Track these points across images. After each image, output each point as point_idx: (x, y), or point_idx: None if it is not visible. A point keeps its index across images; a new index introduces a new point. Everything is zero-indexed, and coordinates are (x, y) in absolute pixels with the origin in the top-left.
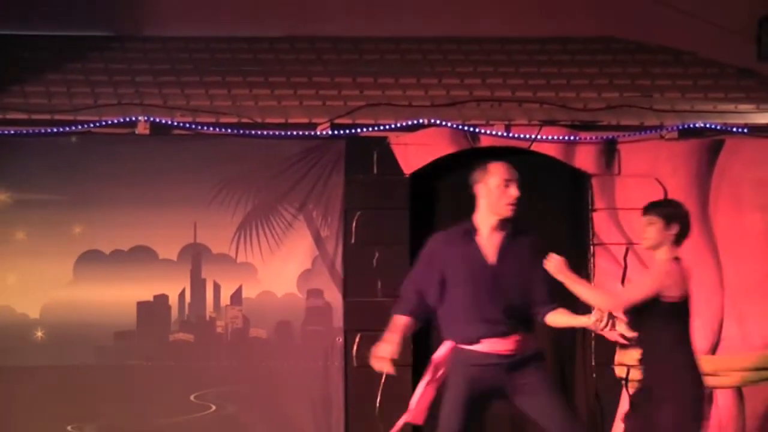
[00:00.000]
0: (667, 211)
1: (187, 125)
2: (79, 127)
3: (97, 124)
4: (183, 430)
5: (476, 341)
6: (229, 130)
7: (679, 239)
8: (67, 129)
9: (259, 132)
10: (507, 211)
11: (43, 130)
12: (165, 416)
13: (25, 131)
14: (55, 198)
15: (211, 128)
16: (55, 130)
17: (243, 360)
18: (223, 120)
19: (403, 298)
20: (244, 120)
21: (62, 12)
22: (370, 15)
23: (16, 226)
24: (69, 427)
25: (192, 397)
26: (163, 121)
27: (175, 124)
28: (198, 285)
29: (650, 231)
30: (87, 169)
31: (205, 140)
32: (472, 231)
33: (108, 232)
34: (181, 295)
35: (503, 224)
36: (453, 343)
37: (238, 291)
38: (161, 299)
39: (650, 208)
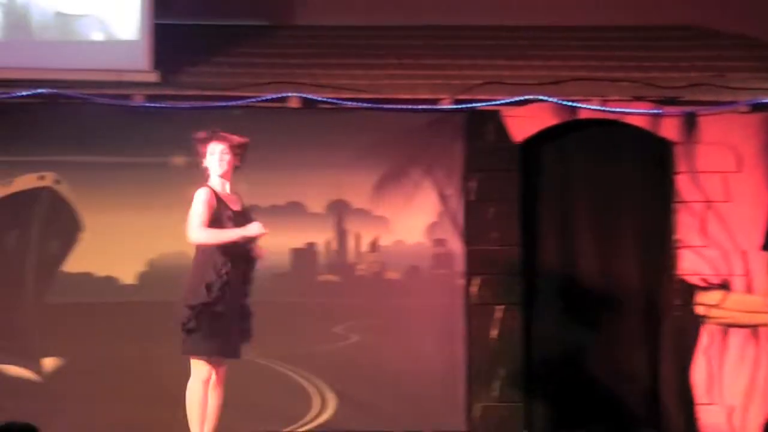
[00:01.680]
0: None
1: (332, 100)
2: (242, 101)
3: (257, 100)
4: (329, 356)
5: None
6: (367, 105)
7: None
8: (232, 103)
9: (392, 106)
10: None
11: (212, 104)
12: (313, 344)
13: (197, 105)
14: None
15: (352, 103)
16: (222, 104)
17: (379, 298)
18: (362, 96)
19: None
20: (380, 95)
21: (228, 5)
22: (487, 6)
23: (191, 185)
24: None
25: (336, 329)
26: (311, 97)
27: (322, 99)
28: (342, 234)
29: None
30: (250, 137)
31: (346, 113)
32: None
33: (266, 190)
34: (328, 243)
35: None
36: None
37: (375, 240)
38: (311, 246)
39: None
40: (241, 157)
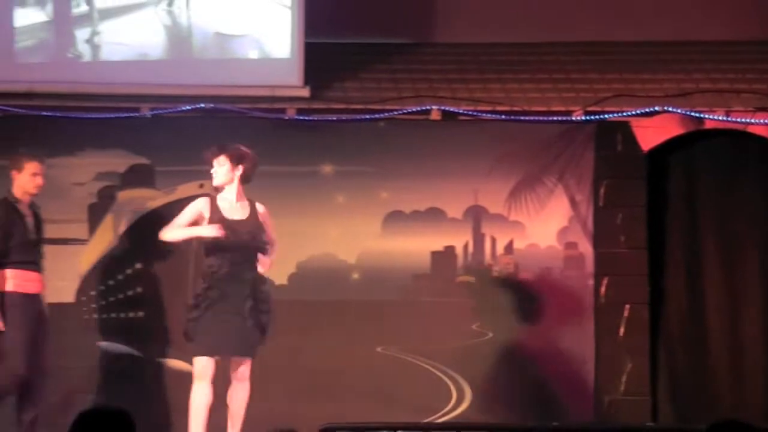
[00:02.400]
0: None
1: (470, 112)
2: (386, 114)
3: (400, 112)
4: (467, 351)
5: None
6: (503, 116)
7: None
8: (377, 116)
9: (527, 117)
10: None
11: (358, 117)
12: (451, 341)
13: (344, 118)
14: (368, 170)
15: (489, 115)
16: (367, 117)
17: (513, 297)
18: (498, 108)
19: None
20: (515, 108)
21: (373, 24)
22: (612, 22)
23: (338, 192)
24: (379, 348)
25: (474, 326)
26: (451, 110)
27: (461, 111)
28: (478, 238)
29: None
30: (391, 147)
31: (483, 124)
32: None
33: (408, 196)
34: (465, 246)
35: None
36: None
37: (510, 243)
38: (449, 249)
39: None
40: (247, 167)
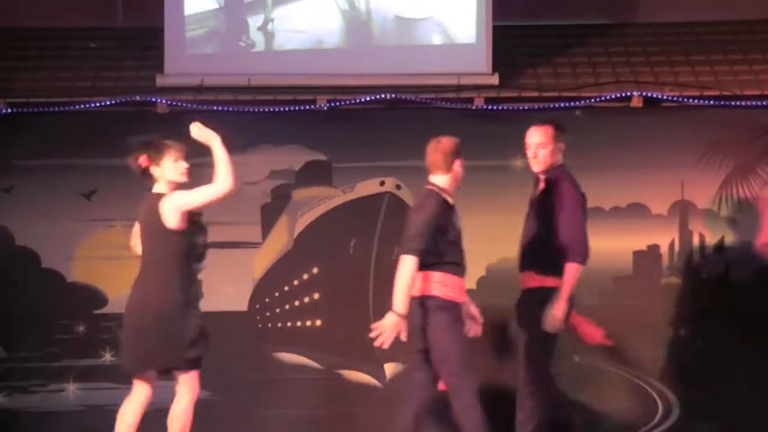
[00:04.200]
0: None
1: (675, 98)
2: (582, 102)
3: (598, 99)
4: (673, 361)
5: None
6: (712, 102)
7: None
8: (572, 104)
9: (739, 103)
10: None
11: (552, 106)
12: (658, 349)
13: (537, 107)
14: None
15: (696, 101)
16: (562, 105)
17: (725, 301)
18: (707, 93)
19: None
20: (725, 93)
21: (567, 4)
22: None
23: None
24: (576, 358)
25: (681, 333)
26: (655, 95)
27: (665, 97)
28: (685, 236)
29: None
30: (589, 137)
31: (690, 111)
32: None
33: (608, 191)
34: (671, 245)
35: None
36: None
37: (721, 241)
38: (653, 248)
39: None
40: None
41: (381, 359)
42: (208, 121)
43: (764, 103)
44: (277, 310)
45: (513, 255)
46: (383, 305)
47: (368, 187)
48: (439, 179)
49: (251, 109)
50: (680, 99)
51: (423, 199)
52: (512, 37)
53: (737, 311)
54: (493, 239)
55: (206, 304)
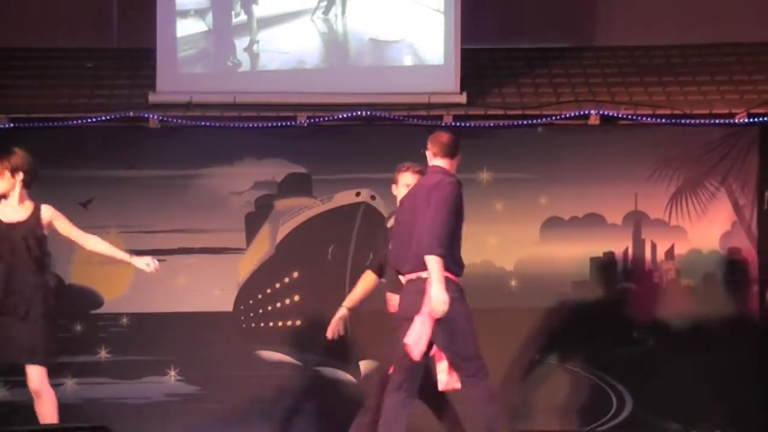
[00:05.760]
0: None
1: (630, 116)
2: (544, 120)
3: (559, 117)
4: (628, 360)
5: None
6: (664, 120)
7: None
8: (535, 122)
9: (688, 121)
10: None
11: (516, 123)
12: (609, 346)
13: (502, 124)
14: (526, 176)
15: (649, 119)
16: (525, 122)
17: (675, 304)
18: (659, 112)
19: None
20: (676, 111)
21: (530, 28)
22: None
23: (496, 199)
24: (537, 356)
25: (635, 334)
26: (611, 114)
27: (620, 115)
28: (638, 244)
29: None
30: (550, 153)
31: (643, 129)
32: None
33: (566, 202)
34: (625, 252)
35: None
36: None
37: (671, 248)
38: (609, 255)
39: None
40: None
41: (356, 357)
42: (197, 136)
43: (712, 121)
44: (260, 311)
45: (479, 261)
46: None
47: (345, 197)
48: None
49: (237, 125)
50: (635, 117)
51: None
52: (480, 59)
53: (686, 313)
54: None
55: (194, 305)
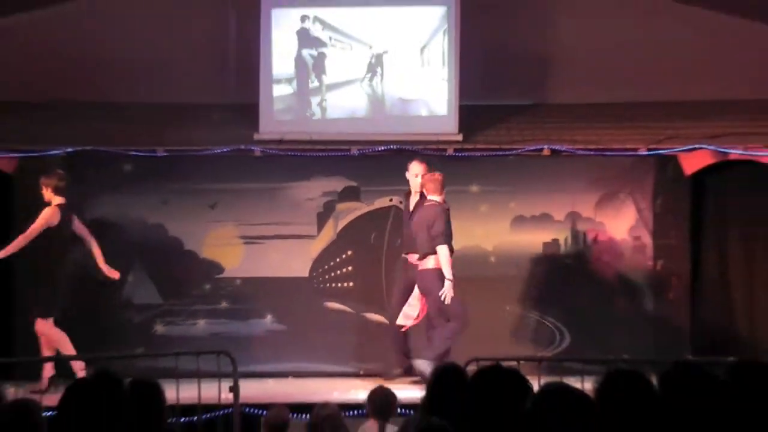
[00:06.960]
0: None
1: (570, 150)
2: (514, 151)
3: (523, 150)
4: (566, 307)
5: None
6: (593, 152)
7: None
8: (508, 152)
9: (610, 153)
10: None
11: (496, 153)
12: (554, 300)
13: (486, 154)
14: (502, 188)
15: (583, 152)
16: (501, 153)
17: (597, 273)
18: (590, 146)
19: None
20: (601, 147)
21: (504, 90)
22: (668, 85)
23: (481, 203)
24: (507, 307)
25: (570, 288)
26: (557, 148)
27: (563, 149)
28: (575, 233)
29: None
30: (517, 174)
31: (580, 158)
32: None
33: (528, 206)
34: (566, 239)
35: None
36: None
37: (596, 237)
38: (555, 241)
39: None
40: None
41: (388, 308)
42: (285, 161)
43: (624, 153)
44: (326, 276)
45: (470, 244)
46: (390, 274)
47: (382, 202)
48: (436, 197)
49: (311, 154)
50: (573, 150)
51: (432, 210)
52: (471, 111)
53: (606, 274)
54: (458, 235)
55: (284, 272)
